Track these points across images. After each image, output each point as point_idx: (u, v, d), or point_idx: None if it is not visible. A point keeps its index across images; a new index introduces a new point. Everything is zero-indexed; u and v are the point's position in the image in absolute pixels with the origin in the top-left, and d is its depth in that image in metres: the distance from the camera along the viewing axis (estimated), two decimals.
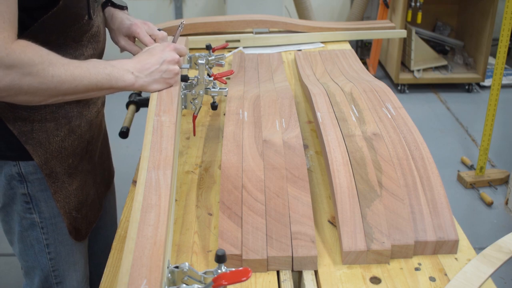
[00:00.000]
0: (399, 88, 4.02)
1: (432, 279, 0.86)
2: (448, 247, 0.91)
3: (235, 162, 1.06)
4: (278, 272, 0.88)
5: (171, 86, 1.10)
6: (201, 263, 0.90)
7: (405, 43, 3.95)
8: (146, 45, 1.19)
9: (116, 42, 1.27)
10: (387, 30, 2.04)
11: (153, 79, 1.06)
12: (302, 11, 3.89)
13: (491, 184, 2.84)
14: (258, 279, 0.86)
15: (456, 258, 0.91)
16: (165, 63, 1.07)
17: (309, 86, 1.44)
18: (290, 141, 1.13)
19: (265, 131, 1.17)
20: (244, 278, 0.65)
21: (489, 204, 2.68)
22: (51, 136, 1.09)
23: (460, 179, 2.87)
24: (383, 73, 4.32)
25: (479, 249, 0.95)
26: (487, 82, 4.00)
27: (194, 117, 1.24)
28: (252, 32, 2.00)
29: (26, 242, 1.17)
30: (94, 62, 0.99)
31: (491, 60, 4.02)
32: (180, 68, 1.13)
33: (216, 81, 1.22)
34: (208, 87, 1.21)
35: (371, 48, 4.16)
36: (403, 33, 2.10)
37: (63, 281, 1.22)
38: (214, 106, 1.26)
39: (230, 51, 1.90)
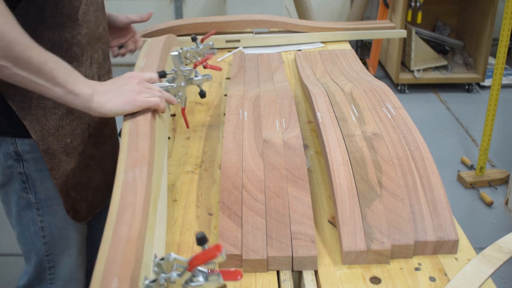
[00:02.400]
0: (399, 88, 4.02)
1: (432, 279, 0.86)
2: (448, 247, 0.91)
3: (235, 162, 1.06)
4: (278, 272, 0.88)
5: (138, 107, 1.00)
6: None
7: (405, 43, 3.95)
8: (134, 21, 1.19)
9: (115, 22, 1.32)
10: (387, 30, 2.04)
11: (113, 99, 0.98)
12: (302, 11, 3.89)
13: (491, 184, 2.84)
14: (258, 279, 0.86)
15: (456, 258, 0.91)
16: (123, 80, 1.02)
17: (309, 86, 1.44)
18: (290, 141, 1.13)
19: (265, 131, 1.17)
20: (218, 253, 0.64)
21: (489, 204, 2.68)
22: (48, 114, 1.10)
23: (460, 179, 2.87)
24: (383, 73, 4.33)
25: (479, 249, 0.95)
26: (487, 82, 4.00)
27: (183, 110, 1.24)
28: (252, 32, 2.00)
29: (23, 223, 1.18)
30: (57, 58, 0.96)
31: (491, 60, 4.02)
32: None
33: (197, 70, 1.21)
34: (190, 77, 1.19)
35: (371, 48, 4.16)
36: (403, 33, 2.10)
37: (55, 265, 1.23)
38: (202, 95, 1.25)
39: (230, 51, 1.90)
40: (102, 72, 1.22)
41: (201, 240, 0.67)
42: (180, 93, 1.19)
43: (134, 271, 0.65)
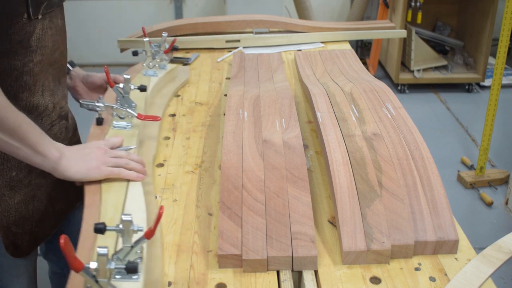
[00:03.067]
0: (399, 88, 4.02)
1: (432, 279, 0.86)
2: (448, 247, 0.91)
3: (235, 162, 1.06)
4: (278, 272, 0.88)
5: (98, 175, 1.01)
6: (201, 263, 0.90)
7: (405, 43, 3.95)
8: (108, 82, 1.21)
9: (73, 88, 1.31)
10: (387, 30, 2.04)
11: (79, 164, 1.00)
12: (302, 11, 3.89)
13: (491, 184, 2.84)
14: (258, 279, 0.86)
15: (456, 258, 0.91)
16: (88, 149, 1.03)
17: (309, 86, 1.44)
18: (290, 141, 1.13)
19: (265, 131, 1.17)
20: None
21: (489, 204, 2.68)
22: None
23: (460, 179, 2.87)
24: (383, 73, 4.33)
25: (479, 249, 0.95)
26: (487, 82, 4.00)
27: (140, 116, 1.22)
28: (252, 32, 2.00)
29: None
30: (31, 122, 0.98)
31: (491, 60, 4.02)
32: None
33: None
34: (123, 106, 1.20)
35: (371, 48, 4.16)
36: (403, 33, 2.10)
37: None
38: (98, 121, 1.22)
39: (230, 51, 1.90)
40: (56, 99, 1.17)
41: (99, 230, 0.74)
42: (132, 105, 1.21)
43: None
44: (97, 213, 0.93)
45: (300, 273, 0.89)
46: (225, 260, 0.88)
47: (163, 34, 1.54)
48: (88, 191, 0.99)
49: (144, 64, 1.53)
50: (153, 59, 1.53)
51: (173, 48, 1.57)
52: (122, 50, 1.96)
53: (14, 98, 1.05)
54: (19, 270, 1.20)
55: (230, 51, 1.90)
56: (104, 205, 0.95)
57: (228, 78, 1.67)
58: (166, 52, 1.54)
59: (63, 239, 0.64)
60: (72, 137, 1.31)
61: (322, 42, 1.99)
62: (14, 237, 1.14)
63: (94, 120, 1.21)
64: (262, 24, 1.99)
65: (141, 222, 0.90)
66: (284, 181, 1.01)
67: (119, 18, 4.37)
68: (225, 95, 1.52)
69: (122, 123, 1.19)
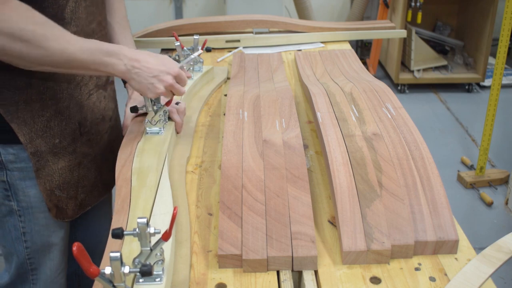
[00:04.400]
0: (399, 88, 4.02)
1: (432, 279, 0.86)
2: (448, 247, 0.91)
3: (235, 162, 1.06)
4: (278, 272, 0.88)
5: (156, 94, 1.10)
6: (201, 263, 0.90)
7: (405, 43, 3.95)
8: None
9: (126, 107, 1.33)
10: (387, 30, 2.04)
11: (140, 80, 1.07)
12: (302, 11, 3.89)
13: (491, 184, 2.84)
14: (258, 279, 0.86)
15: (456, 258, 0.91)
16: (162, 73, 1.08)
17: (309, 86, 1.44)
18: (290, 141, 1.13)
19: (265, 131, 1.17)
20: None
21: (489, 204, 2.68)
22: (36, 116, 1.10)
23: (460, 179, 2.87)
24: (383, 73, 4.33)
25: (479, 249, 0.95)
26: (487, 82, 4.00)
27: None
28: (252, 32, 2.00)
29: (5, 228, 1.18)
30: (91, 42, 1.01)
31: (491, 60, 4.02)
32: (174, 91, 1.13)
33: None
34: (163, 110, 1.22)
35: (371, 48, 4.16)
36: (403, 33, 2.10)
37: (37, 268, 1.23)
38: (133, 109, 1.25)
39: (230, 51, 1.90)
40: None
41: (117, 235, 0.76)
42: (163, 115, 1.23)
43: None
44: (125, 219, 0.93)
45: (300, 273, 0.89)
46: (225, 260, 0.88)
47: (195, 37, 1.53)
48: (119, 195, 1.00)
49: None
50: (187, 63, 1.52)
51: (206, 49, 1.56)
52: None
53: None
54: (51, 247, 1.23)
55: (230, 51, 1.90)
56: (132, 210, 0.95)
57: (228, 78, 1.67)
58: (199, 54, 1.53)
59: (76, 247, 0.64)
60: (114, 108, 1.34)
61: (322, 42, 1.99)
62: (58, 200, 1.18)
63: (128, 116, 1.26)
64: (262, 24, 1.99)
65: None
66: (284, 181, 1.01)
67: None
68: (225, 95, 1.52)
69: (155, 129, 1.20)
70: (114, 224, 0.92)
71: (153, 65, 1.07)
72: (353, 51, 1.81)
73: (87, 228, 1.43)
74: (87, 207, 1.27)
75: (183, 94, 1.15)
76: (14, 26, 0.91)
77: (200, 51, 1.46)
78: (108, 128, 1.30)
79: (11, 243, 1.20)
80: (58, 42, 0.95)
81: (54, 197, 1.17)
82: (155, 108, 1.19)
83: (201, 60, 1.56)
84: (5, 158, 1.11)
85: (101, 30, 1.22)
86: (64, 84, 1.12)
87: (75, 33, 1.10)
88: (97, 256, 0.94)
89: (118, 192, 1.01)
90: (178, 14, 4.40)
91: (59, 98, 1.13)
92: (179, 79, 1.12)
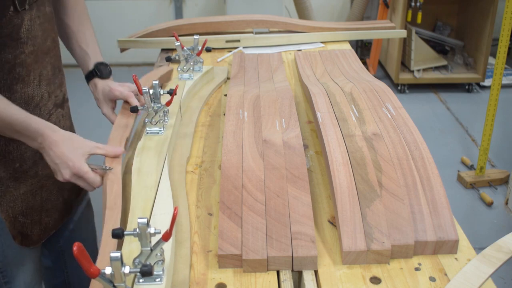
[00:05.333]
0: (399, 88, 4.02)
1: (432, 279, 0.86)
2: (448, 247, 0.91)
3: (235, 162, 1.06)
4: (278, 272, 0.88)
5: (62, 179, 1.04)
6: (201, 263, 0.90)
7: (405, 43, 3.95)
8: (127, 99, 1.24)
9: (101, 110, 1.31)
10: (387, 30, 2.04)
11: (51, 160, 1.03)
12: (302, 11, 3.89)
13: (491, 184, 2.84)
14: (258, 279, 0.86)
15: (456, 258, 0.91)
16: (62, 165, 1.03)
17: (309, 86, 1.44)
18: (290, 141, 1.13)
19: (265, 131, 1.17)
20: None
21: (489, 204, 2.68)
22: None
23: (460, 179, 2.87)
24: (383, 73, 4.32)
25: (479, 249, 0.95)
26: (487, 82, 4.00)
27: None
28: (252, 32, 2.00)
29: None
30: (19, 114, 1.00)
31: (491, 60, 4.02)
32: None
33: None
34: (163, 110, 1.21)
35: (371, 48, 4.16)
36: (403, 33, 2.10)
37: (11, 281, 1.20)
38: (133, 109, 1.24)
39: (230, 51, 1.90)
40: (52, 88, 1.17)
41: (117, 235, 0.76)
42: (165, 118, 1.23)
43: None
44: (119, 215, 0.93)
45: (300, 273, 0.89)
46: (225, 260, 0.88)
47: (195, 37, 1.54)
48: (110, 192, 0.99)
49: (179, 69, 1.52)
50: (187, 63, 1.52)
51: (206, 49, 1.56)
52: (122, 50, 1.96)
53: (9, 90, 1.06)
54: (25, 260, 1.21)
55: (230, 51, 1.90)
56: (132, 210, 0.95)
57: (228, 78, 1.67)
58: (198, 54, 1.53)
59: (76, 247, 0.64)
60: (70, 126, 1.31)
61: (322, 42, 1.99)
62: (22, 227, 1.15)
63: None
64: (262, 24, 1.99)
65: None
66: (284, 181, 1.01)
67: (119, 18, 4.37)
68: (225, 95, 1.52)
69: (155, 129, 1.20)
70: (108, 220, 0.91)
71: (61, 153, 1.02)
72: (353, 51, 1.81)
73: (70, 235, 1.39)
74: (52, 230, 1.24)
75: (91, 190, 1.09)
76: None
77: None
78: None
79: None
80: None
81: (18, 224, 1.14)
82: (155, 108, 1.19)
83: (201, 60, 1.56)
84: None
85: (55, 47, 1.19)
86: (22, 105, 1.08)
87: (31, 52, 1.08)
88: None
89: (110, 189, 1.00)
90: (178, 14, 4.40)
91: (15, 120, 1.08)
92: (77, 178, 1.04)
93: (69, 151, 1.02)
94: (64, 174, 1.02)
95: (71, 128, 1.32)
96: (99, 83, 1.30)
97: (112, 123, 1.26)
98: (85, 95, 1.24)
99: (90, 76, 1.31)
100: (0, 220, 1.13)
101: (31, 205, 1.16)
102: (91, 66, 1.30)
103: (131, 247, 0.84)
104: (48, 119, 1.17)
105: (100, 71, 1.31)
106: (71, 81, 1.46)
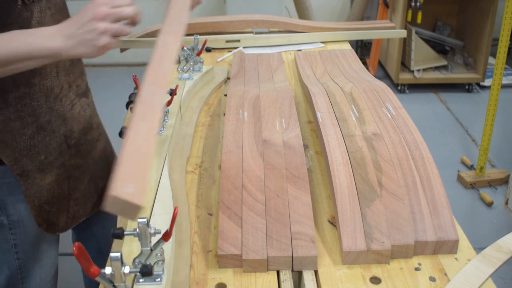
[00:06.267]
0: (399, 88, 4.02)
1: (432, 279, 0.86)
2: (448, 247, 0.91)
3: (235, 162, 1.06)
4: (278, 272, 0.88)
5: (101, 49, 0.92)
6: (201, 263, 0.90)
7: (405, 43, 3.95)
8: None
9: None
10: (387, 30, 2.04)
11: (78, 41, 0.90)
12: (302, 11, 3.89)
13: (491, 184, 2.84)
14: (258, 279, 0.86)
15: (456, 258, 0.91)
16: (91, 21, 0.90)
17: (309, 86, 1.44)
18: (290, 141, 1.13)
19: (265, 131, 1.17)
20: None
21: (489, 204, 2.68)
22: (17, 135, 1.06)
23: (460, 179, 2.87)
24: (383, 73, 4.33)
25: (479, 249, 0.95)
26: (487, 82, 4.00)
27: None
28: (252, 32, 2.00)
29: None
30: (9, 33, 0.91)
31: (491, 60, 4.02)
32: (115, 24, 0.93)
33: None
34: (163, 110, 1.21)
35: (371, 48, 4.16)
36: (403, 33, 2.09)
37: (27, 276, 1.22)
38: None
39: (230, 51, 1.90)
40: (71, 78, 1.17)
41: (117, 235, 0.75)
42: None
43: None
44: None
45: (300, 273, 0.89)
46: (225, 260, 0.88)
47: (195, 37, 1.54)
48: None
49: (179, 69, 1.52)
50: (187, 63, 1.52)
51: (206, 49, 1.56)
52: (122, 50, 1.96)
53: (27, 84, 1.06)
54: (42, 255, 1.22)
55: (230, 51, 1.90)
56: None
57: (228, 78, 1.67)
58: (198, 54, 1.53)
59: (76, 247, 0.64)
60: (97, 115, 1.31)
61: (322, 42, 1.99)
62: (48, 215, 1.16)
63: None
64: (262, 24, 1.99)
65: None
66: (284, 181, 1.01)
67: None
68: (225, 95, 1.52)
69: None
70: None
71: (78, 20, 0.91)
72: (353, 51, 1.81)
73: (104, 223, 1.41)
74: (81, 218, 1.25)
75: (128, 30, 0.96)
76: None
77: None
78: (97, 136, 1.28)
79: (2, 255, 1.18)
80: None
81: (44, 213, 1.15)
82: None
83: (201, 60, 1.56)
84: None
85: None
86: (42, 99, 1.09)
87: None
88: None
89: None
90: None
91: (39, 113, 1.09)
92: (109, 13, 0.91)
93: (80, 16, 0.92)
94: (97, 37, 0.90)
95: (96, 117, 1.31)
96: None
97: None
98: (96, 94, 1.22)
99: None
100: (20, 219, 1.14)
101: (57, 194, 1.17)
102: None
103: (131, 247, 0.84)
104: (71, 109, 1.17)
105: None
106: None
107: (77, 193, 1.21)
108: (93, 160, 1.24)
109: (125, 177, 0.65)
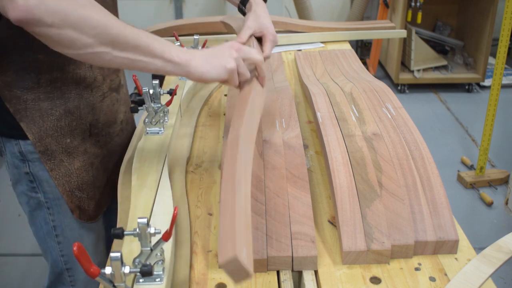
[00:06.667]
0: (399, 88, 4.02)
1: (432, 279, 0.86)
2: (448, 247, 0.91)
3: None
4: (278, 272, 0.88)
5: (227, 72, 0.97)
6: (201, 263, 0.90)
7: (405, 43, 3.95)
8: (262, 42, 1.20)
9: (243, 24, 1.23)
10: (387, 30, 2.04)
11: (209, 60, 0.96)
12: (302, 11, 3.89)
13: (491, 184, 2.83)
14: (258, 279, 0.86)
15: (456, 258, 0.91)
16: (227, 49, 0.98)
17: (309, 86, 1.44)
18: (290, 141, 1.13)
19: (265, 131, 1.17)
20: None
21: (489, 204, 2.68)
22: (45, 115, 1.10)
23: (460, 179, 2.87)
24: (383, 73, 4.32)
25: (479, 249, 0.95)
26: (487, 82, 4.00)
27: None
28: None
29: (36, 224, 1.19)
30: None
31: (491, 60, 4.01)
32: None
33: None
34: (163, 110, 1.21)
35: (371, 48, 4.16)
36: (403, 33, 2.10)
37: (73, 268, 1.22)
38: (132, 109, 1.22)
39: None
40: (106, 72, 1.19)
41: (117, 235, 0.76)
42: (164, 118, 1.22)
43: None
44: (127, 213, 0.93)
45: (300, 273, 0.89)
46: None
47: (195, 37, 1.54)
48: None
49: None
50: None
51: None
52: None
53: (61, 70, 1.09)
54: (83, 242, 1.20)
55: None
56: (132, 210, 0.95)
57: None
58: None
59: (76, 247, 0.64)
60: (125, 112, 1.31)
61: (322, 42, 1.99)
62: (79, 201, 1.18)
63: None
64: None
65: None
66: (284, 181, 1.01)
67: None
68: (225, 95, 1.52)
69: (155, 129, 1.20)
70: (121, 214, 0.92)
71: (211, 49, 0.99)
72: (353, 51, 1.81)
73: (111, 217, 1.41)
74: (104, 207, 1.27)
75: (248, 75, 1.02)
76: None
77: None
78: (118, 130, 1.29)
79: (43, 239, 1.20)
80: (114, 17, 0.89)
81: (75, 198, 1.18)
82: (155, 108, 1.19)
83: None
84: (25, 148, 1.11)
85: None
86: (72, 85, 1.12)
87: None
88: None
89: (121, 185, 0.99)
90: (178, 14, 4.40)
91: (67, 98, 1.12)
92: (239, 56, 0.99)
93: (217, 47, 1.00)
94: (229, 60, 0.97)
95: (125, 114, 1.32)
96: (260, 3, 1.28)
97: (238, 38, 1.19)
98: None
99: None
100: (56, 197, 1.16)
101: (86, 180, 1.19)
102: None
103: (131, 247, 0.84)
104: (101, 101, 1.20)
105: None
106: None
107: (98, 182, 1.23)
108: (109, 152, 1.26)
109: (241, 241, 0.66)
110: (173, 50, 0.94)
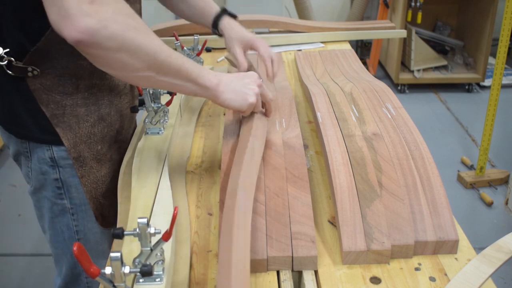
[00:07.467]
0: (399, 88, 4.02)
1: (432, 279, 0.86)
2: (448, 247, 0.91)
3: None
4: (278, 272, 0.88)
5: (248, 105, 1.06)
6: (201, 263, 0.90)
7: (405, 43, 3.95)
8: (263, 61, 1.30)
9: (229, 48, 1.33)
10: (387, 30, 2.04)
11: (235, 90, 1.04)
12: (302, 11, 3.89)
13: (491, 184, 2.84)
14: (258, 279, 0.86)
15: (456, 258, 0.91)
16: (251, 83, 1.07)
17: (309, 86, 1.44)
18: (290, 141, 1.13)
19: None
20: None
21: (489, 204, 2.68)
22: (81, 121, 1.10)
23: (460, 179, 2.87)
24: (383, 73, 4.33)
25: (479, 249, 0.95)
26: (487, 82, 4.00)
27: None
28: (252, 32, 2.00)
29: (56, 229, 1.18)
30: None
31: (491, 60, 4.02)
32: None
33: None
34: (163, 110, 1.22)
35: (371, 48, 4.16)
36: (403, 33, 2.10)
37: None
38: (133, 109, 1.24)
39: None
40: None
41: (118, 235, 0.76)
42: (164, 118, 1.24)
43: None
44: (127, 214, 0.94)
45: (300, 273, 0.89)
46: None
47: (195, 37, 1.54)
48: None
49: None
50: None
51: (206, 50, 1.56)
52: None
53: (100, 77, 1.10)
54: (104, 246, 1.24)
55: None
56: (132, 210, 0.95)
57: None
58: (198, 54, 1.52)
59: (76, 246, 0.64)
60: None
61: (322, 42, 1.99)
62: (102, 208, 1.19)
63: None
64: (262, 24, 1.99)
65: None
66: (284, 181, 1.01)
67: None
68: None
69: (155, 129, 1.21)
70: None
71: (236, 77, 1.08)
72: (353, 51, 1.81)
73: None
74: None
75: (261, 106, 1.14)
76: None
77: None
78: (130, 137, 1.30)
79: (63, 243, 1.20)
80: (161, 43, 0.92)
81: (99, 205, 1.18)
82: (155, 108, 1.19)
83: (201, 60, 1.56)
84: (57, 154, 1.11)
85: None
86: (106, 91, 1.13)
87: None
88: None
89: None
90: None
91: (100, 104, 1.13)
92: (259, 91, 1.09)
93: (243, 76, 1.09)
94: (252, 95, 1.06)
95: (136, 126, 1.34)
96: (232, 22, 1.34)
97: (239, 66, 1.29)
98: None
99: (220, 16, 1.34)
100: (82, 203, 1.16)
101: (109, 187, 1.19)
102: (217, 9, 1.35)
103: (131, 247, 0.84)
104: (127, 108, 1.22)
105: (230, 13, 1.35)
106: None
107: (116, 189, 1.23)
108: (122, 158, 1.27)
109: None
110: (205, 75, 0.99)
